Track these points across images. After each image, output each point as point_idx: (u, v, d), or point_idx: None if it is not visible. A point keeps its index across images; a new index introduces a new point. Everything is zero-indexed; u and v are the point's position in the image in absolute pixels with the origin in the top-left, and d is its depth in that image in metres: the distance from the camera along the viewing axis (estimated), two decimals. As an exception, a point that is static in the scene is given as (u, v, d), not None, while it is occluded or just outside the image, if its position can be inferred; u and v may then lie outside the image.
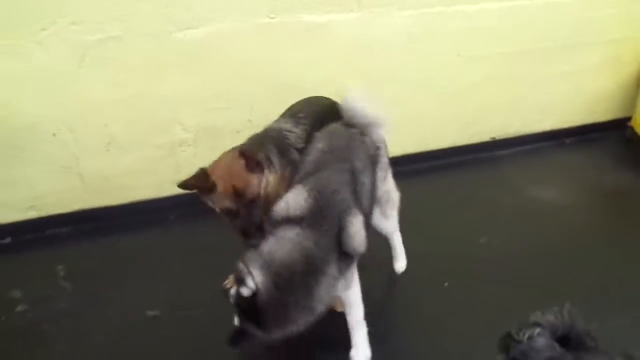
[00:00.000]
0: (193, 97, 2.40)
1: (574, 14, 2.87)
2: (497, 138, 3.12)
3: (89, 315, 1.98)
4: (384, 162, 1.85)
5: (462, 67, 2.80)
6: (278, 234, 1.48)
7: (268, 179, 1.71)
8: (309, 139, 1.81)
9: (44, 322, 1.94)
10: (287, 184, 1.71)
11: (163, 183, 2.45)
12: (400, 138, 2.86)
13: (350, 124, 1.76)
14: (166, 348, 1.85)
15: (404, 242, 2.18)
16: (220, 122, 2.47)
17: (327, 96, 2.07)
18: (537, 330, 1.73)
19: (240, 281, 1.38)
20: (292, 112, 1.97)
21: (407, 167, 2.77)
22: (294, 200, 1.52)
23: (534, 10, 2.78)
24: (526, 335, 1.73)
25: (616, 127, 3.30)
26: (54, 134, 2.25)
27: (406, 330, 1.94)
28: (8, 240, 2.37)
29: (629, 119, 3.25)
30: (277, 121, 1.95)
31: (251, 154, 1.66)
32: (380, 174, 1.81)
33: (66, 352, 1.83)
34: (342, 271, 1.52)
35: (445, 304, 2.03)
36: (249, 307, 1.39)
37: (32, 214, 2.39)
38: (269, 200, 1.66)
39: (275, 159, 1.76)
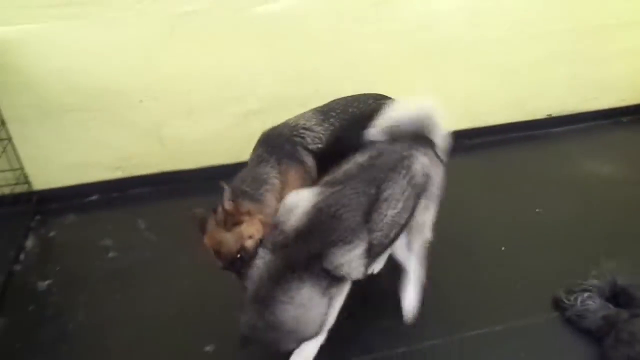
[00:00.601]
0: (266, 69, 2.56)
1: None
2: (554, 115, 3.16)
3: (173, 263, 2.18)
4: (431, 192, 1.68)
5: (524, 44, 2.85)
6: (268, 249, 1.47)
7: (254, 227, 1.59)
8: (332, 139, 1.76)
9: (133, 267, 2.16)
10: (297, 184, 1.67)
11: (234, 150, 2.62)
12: (457, 113, 2.97)
13: (396, 136, 1.69)
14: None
15: (461, 214, 2.28)
16: (289, 93, 2.62)
17: (382, 94, 2.00)
18: (586, 294, 1.85)
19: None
20: (328, 108, 1.90)
21: (463, 142, 2.88)
22: (296, 208, 1.50)
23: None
24: (578, 300, 1.85)
25: (676, 107, 3.28)
26: (140, 100, 2.46)
27: (465, 288, 2.05)
28: (95, 197, 2.62)
29: (689, 98, 3.23)
30: (303, 114, 1.88)
31: (223, 209, 1.55)
32: (422, 202, 1.65)
33: (158, 294, 2.04)
34: (325, 293, 1.44)
35: (502, 266, 2.14)
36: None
37: (118, 174, 2.63)
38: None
39: (268, 187, 1.67)
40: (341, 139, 1.80)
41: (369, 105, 1.89)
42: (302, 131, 1.78)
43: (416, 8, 2.61)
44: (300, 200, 1.51)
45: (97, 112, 2.44)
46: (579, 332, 1.80)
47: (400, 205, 1.55)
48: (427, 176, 1.64)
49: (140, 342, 1.82)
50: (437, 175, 1.70)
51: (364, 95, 1.97)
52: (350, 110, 1.87)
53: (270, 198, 1.66)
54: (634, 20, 2.95)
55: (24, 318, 1.93)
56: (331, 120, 1.82)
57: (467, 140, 3.02)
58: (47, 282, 2.08)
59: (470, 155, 2.96)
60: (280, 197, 1.63)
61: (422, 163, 1.63)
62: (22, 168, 2.45)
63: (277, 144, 1.74)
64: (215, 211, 1.56)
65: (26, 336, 1.85)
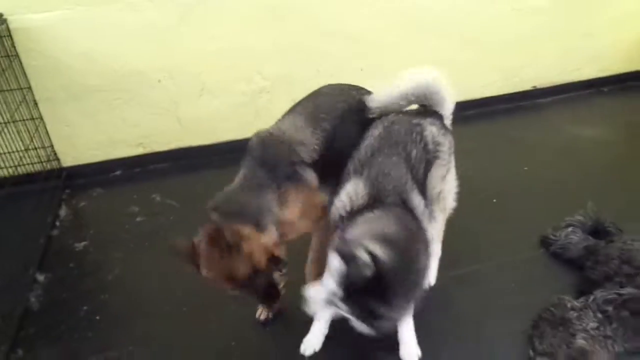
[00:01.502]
0: (272, 49, 2.78)
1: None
2: (539, 87, 3.40)
3: (196, 224, 2.39)
4: (443, 159, 1.68)
5: (512, 19, 3.08)
6: (359, 220, 1.43)
7: (260, 245, 1.46)
8: (326, 144, 1.69)
9: (160, 229, 2.37)
10: (297, 204, 1.60)
11: (245, 126, 2.82)
12: (451, 87, 3.19)
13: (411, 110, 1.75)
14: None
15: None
16: (293, 72, 2.85)
17: (360, 86, 2.01)
18: (570, 229, 2.09)
19: (351, 258, 1.24)
20: (315, 109, 1.77)
21: (455, 114, 3.10)
22: (355, 193, 1.50)
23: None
24: (562, 234, 2.09)
25: (654, 76, 3.52)
26: (159, 81, 2.68)
27: (459, 235, 2.25)
28: (118, 172, 2.84)
29: (665, 67, 3.47)
30: (294, 122, 1.73)
31: (223, 237, 1.43)
32: (438, 171, 1.66)
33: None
34: None
35: (493, 215, 2.36)
36: (367, 284, 1.24)
37: (139, 151, 2.84)
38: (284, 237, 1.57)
39: (269, 205, 1.54)
40: (337, 140, 1.73)
41: (354, 97, 1.86)
42: (298, 148, 1.66)
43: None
44: (352, 188, 1.52)
45: (120, 92, 2.66)
46: (564, 262, 2.03)
47: (421, 167, 1.59)
48: (437, 144, 1.67)
49: (169, 291, 2.03)
50: (447, 144, 1.72)
51: (343, 86, 1.95)
52: (339, 106, 1.80)
53: (271, 227, 1.54)
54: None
55: (66, 273, 2.14)
56: (323, 125, 1.72)
57: (460, 112, 3.23)
58: (83, 244, 2.30)
59: (463, 126, 3.16)
60: (279, 222, 1.56)
61: (432, 131, 1.67)
62: (52, 146, 2.66)
63: (275, 166, 1.60)
64: (212, 239, 1.45)
65: (70, 288, 2.07)
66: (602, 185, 2.51)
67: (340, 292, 1.28)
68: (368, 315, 1.29)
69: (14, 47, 2.39)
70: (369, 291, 1.24)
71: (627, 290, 1.70)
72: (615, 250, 1.85)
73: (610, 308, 1.69)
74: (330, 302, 1.32)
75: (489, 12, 3.03)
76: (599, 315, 1.69)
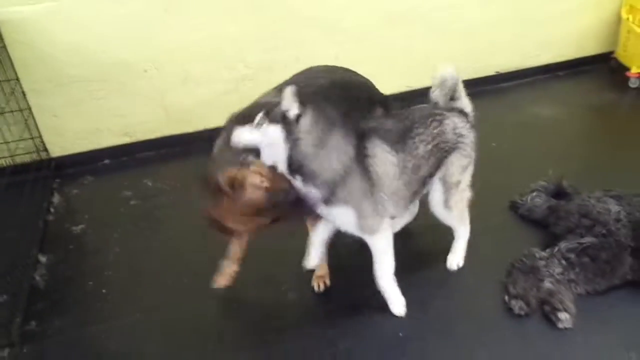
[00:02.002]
0: (253, 38, 2.91)
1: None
2: (501, 72, 3.65)
3: (188, 204, 2.51)
4: (465, 150, 1.85)
5: (470, 9, 3.31)
6: None
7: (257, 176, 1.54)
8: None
9: (155, 210, 2.48)
10: None
11: (229, 113, 2.97)
12: (416, 72, 3.40)
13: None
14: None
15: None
16: (274, 59, 2.98)
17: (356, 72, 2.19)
18: (534, 193, 2.32)
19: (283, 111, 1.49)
20: (288, 83, 1.81)
21: (425, 99, 3.33)
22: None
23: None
24: (528, 198, 2.32)
25: (603, 60, 3.81)
26: (145, 70, 2.77)
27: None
28: (107, 161, 2.92)
29: (613, 52, 3.77)
30: (268, 94, 1.87)
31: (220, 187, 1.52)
32: (459, 161, 1.84)
33: (178, 227, 2.37)
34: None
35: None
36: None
37: (126, 140, 2.93)
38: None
39: None
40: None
41: (340, 75, 2.02)
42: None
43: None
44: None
45: (106, 83, 2.74)
46: (531, 223, 2.26)
47: (428, 148, 1.74)
48: (459, 135, 1.82)
49: (170, 265, 2.16)
50: (471, 136, 1.87)
51: (335, 67, 2.10)
52: (318, 80, 1.91)
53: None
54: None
55: (67, 254, 2.23)
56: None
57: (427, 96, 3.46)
58: (80, 227, 2.39)
59: (433, 109, 3.41)
60: None
61: (454, 122, 1.82)
62: (40, 136, 2.72)
63: None
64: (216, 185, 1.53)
65: (73, 267, 2.16)
66: (560, 155, 2.76)
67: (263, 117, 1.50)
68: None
69: (2, 38, 2.44)
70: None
71: (587, 239, 1.93)
72: (574, 207, 2.07)
73: (572, 255, 1.91)
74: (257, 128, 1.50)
75: (448, 2, 3.25)
76: (563, 262, 1.91)
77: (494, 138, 2.97)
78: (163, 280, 2.08)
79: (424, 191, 1.89)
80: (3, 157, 2.48)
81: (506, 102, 3.44)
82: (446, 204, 1.90)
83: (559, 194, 2.34)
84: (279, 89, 1.77)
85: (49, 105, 2.69)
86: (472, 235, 2.20)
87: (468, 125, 1.90)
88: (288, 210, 1.61)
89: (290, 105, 1.50)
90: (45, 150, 2.77)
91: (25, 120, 2.61)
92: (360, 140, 1.65)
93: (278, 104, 1.52)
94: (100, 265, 2.16)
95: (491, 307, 1.88)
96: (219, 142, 1.70)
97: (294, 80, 1.92)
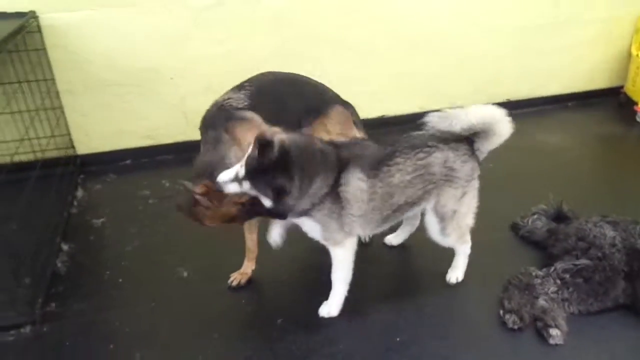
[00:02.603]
0: (272, 54, 3.07)
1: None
2: (511, 99, 3.77)
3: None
4: (457, 183, 1.88)
5: (481, 38, 3.46)
6: None
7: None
8: (251, 97, 1.98)
9: (172, 209, 2.58)
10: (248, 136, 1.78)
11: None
12: (430, 95, 3.55)
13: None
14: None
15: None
16: (292, 74, 3.14)
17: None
18: (535, 216, 2.41)
19: (265, 142, 1.57)
20: (241, 83, 2.12)
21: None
22: None
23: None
24: (529, 220, 2.41)
25: (613, 94, 3.92)
26: (171, 78, 2.94)
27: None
28: (128, 161, 3.07)
29: (622, 87, 3.88)
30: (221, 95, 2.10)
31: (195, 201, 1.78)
32: (449, 192, 1.89)
33: (192, 228, 2.44)
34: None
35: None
36: (274, 164, 1.58)
37: (148, 142, 3.08)
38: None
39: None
40: (261, 95, 2.04)
41: (286, 76, 2.22)
42: (226, 101, 2.00)
43: (393, 6, 3.19)
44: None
45: (134, 87, 2.91)
46: (530, 244, 2.35)
47: (406, 177, 1.80)
48: (450, 169, 1.85)
49: (185, 260, 2.27)
50: (465, 169, 1.88)
51: (286, 73, 2.29)
52: (265, 78, 2.16)
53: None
54: (570, 20, 3.59)
55: (87, 245, 2.37)
56: (246, 88, 2.06)
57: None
58: (101, 220, 2.52)
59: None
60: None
61: (447, 155, 1.84)
62: (69, 134, 2.88)
63: (214, 120, 1.95)
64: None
65: (93, 256, 2.30)
66: (564, 181, 2.86)
67: (244, 173, 1.61)
68: (271, 190, 1.61)
69: (43, 41, 2.62)
70: (274, 169, 1.58)
71: (582, 261, 2.01)
72: (572, 230, 2.16)
73: (567, 276, 2.00)
74: (236, 181, 1.64)
75: (462, 30, 3.40)
76: (558, 282, 2.00)
77: (499, 161, 3.06)
78: (176, 274, 2.19)
79: (401, 217, 1.99)
80: (35, 152, 2.63)
81: (515, 129, 3.53)
82: (443, 232, 1.98)
83: (559, 217, 2.43)
84: (238, 88, 2.08)
85: (79, 105, 2.86)
86: (473, 251, 2.29)
87: (465, 158, 1.89)
88: (261, 213, 1.78)
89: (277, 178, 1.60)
90: (73, 147, 2.93)
91: (57, 118, 2.78)
92: (339, 171, 1.73)
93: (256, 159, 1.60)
94: (117, 256, 2.28)
95: (486, 319, 1.97)
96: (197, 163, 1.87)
97: (246, 80, 2.15)
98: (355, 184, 1.75)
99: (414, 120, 3.48)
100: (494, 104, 3.64)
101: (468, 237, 2.09)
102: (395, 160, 1.80)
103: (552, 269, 2.05)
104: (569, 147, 3.29)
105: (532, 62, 3.68)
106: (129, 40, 2.81)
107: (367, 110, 3.42)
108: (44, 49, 2.64)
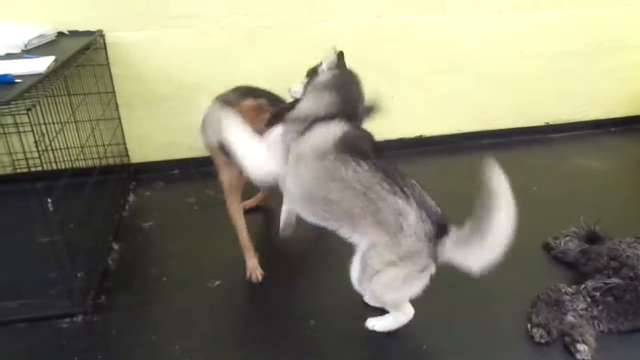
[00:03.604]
0: (316, 73, 3.23)
1: (617, 21, 3.54)
2: (551, 123, 3.78)
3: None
4: (395, 245, 1.66)
5: (522, 61, 3.51)
6: None
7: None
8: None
9: (215, 216, 2.73)
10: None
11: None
12: (467, 118, 3.62)
13: None
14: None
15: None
16: (334, 94, 3.29)
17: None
18: (567, 237, 2.43)
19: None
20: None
21: (473, 142, 3.54)
22: None
23: (582, 16, 3.48)
24: (562, 241, 2.43)
25: (656, 121, 3.88)
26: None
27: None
28: (177, 171, 3.27)
29: (668, 113, 3.83)
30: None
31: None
32: (385, 249, 1.68)
33: (232, 235, 2.61)
34: None
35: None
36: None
37: (195, 154, 3.26)
38: None
39: None
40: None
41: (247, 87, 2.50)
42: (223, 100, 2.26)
43: (438, 30, 3.30)
44: None
45: (186, 102, 3.10)
46: (562, 264, 2.36)
47: (348, 193, 1.68)
48: (401, 220, 1.64)
49: (221, 264, 2.41)
50: (408, 238, 1.64)
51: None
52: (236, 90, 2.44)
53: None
54: (615, 46, 3.60)
55: (136, 245, 2.54)
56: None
57: (478, 141, 3.65)
58: (149, 223, 2.70)
59: (481, 153, 3.58)
60: None
61: (407, 211, 1.65)
62: (125, 143, 3.11)
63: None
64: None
65: (141, 255, 2.46)
66: (600, 205, 2.85)
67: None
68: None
69: (107, 57, 2.87)
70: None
71: (613, 280, 2.02)
72: (605, 249, 2.17)
73: (597, 294, 2.01)
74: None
75: (501, 53, 3.46)
76: (588, 299, 2.01)
77: (536, 183, 3.10)
78: (215, 275, 2.32)
79: (336, 226, 1.80)
80: (94, 159, 2.85)
81: (553, 152, 3.57)
82: (358, 282, 1.79)
83: (592, 239, 2.43)
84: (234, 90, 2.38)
85: (135, 117, 3.09)
86: (503, 265, 2.33)
87: (421, 227, 1.64)
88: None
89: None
90: (127, 156, 3.15)
91: (115, 129, 3.01)
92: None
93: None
94: (163, 256, 2.45)
95: (514, 333, 2.00)
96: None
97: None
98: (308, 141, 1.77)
99: (451, 142, 3.62)
100: (533, 127, 3.77)
101: (400, 308, 1.90)
102: (362, 168, 1.67)
103: (583, 286, 2.06)
104: (608, 172, 3.28)
105: (574, 87, 3.70)
106: (184, 58, 3.03)
107: (407, 129, 3.54)
108: (108, 65, 2.88)
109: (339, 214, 1.73)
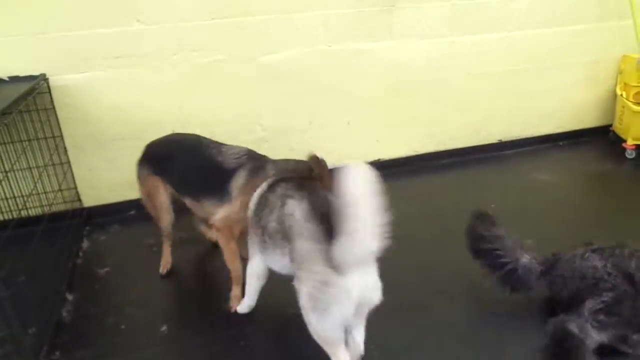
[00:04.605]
0: (270, 105, 3.23)
1: (557, 41, 3.70)
2: (503, 140, 3.88)
3: (204, 256, 2.73)
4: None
5: (471, 82, 3.62)
6: None
7: None
8: None
9: (176, 258, 2.68)
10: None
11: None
12: (423, 139, 3.68)
13: None
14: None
15: (433, 217, 2.90)
16: (290, 124, 3.29)
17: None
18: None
19: None
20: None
21: (430, 163, 3.59)
22: None
23: (525, 38, 3.62)
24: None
25: (602, 132, 4.05)
26: (173, 130, 3.07)
27: (436, 258, 2.63)
28: (133, 212, 3.15)
29: (611, 125, 4.00)
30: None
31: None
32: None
33: (194, 274, 2.57)
34: None
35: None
36: None
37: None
38: None
39: None
40: None
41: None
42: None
43: (388, 56, 3.36)
44: None
45: (139, 141, 2.98)
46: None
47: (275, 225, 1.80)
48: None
49: (183, 305, 2.34)
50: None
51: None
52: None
53: None
54: (557, 64, 3.76)
55: (92, 293, 2.43)
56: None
57: (433, 162, 3.71)
58: (105, 269, 2.60)
59: (436, 174, 3.64)
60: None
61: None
62: (76, 188, 3.00)
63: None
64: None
65: (97, 304, 2.35)
66: (555, 218, 2.94)
67: None
68: None
69: (52, 101, 2.78)
70: None
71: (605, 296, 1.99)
72: (567, 272, 2.15)
73: (602, 316, 1.95)
74: None
75: (449, 75, 3.57)
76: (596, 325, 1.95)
77: (494, 200, 3.15)
78: (179, 318, 2.25)
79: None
80: (42, 206, 2.74)
81: (508, 169, 3.66)
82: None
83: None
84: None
85: (86, 159, 3.00)
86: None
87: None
88: None
89: None
90: (79, 200, 3.04)
91: (64, 173, 2.90)
92: None
93: None
94: (121, 303, 2.34)
95: None
96: None
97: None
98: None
99: (409, 164, 3.66)
100: (487, 144, 3.86)
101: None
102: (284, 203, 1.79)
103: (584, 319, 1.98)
104: (560, 185, 3.38)
105: (523, 104, 3.83)
106: (135, 97, 2.97)
107: (365, 153, 3.56)
108: (53, 108, 2.79)
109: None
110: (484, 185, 3.42)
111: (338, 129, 3.44)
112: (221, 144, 2.32)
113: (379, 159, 3.64)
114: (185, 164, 2.30)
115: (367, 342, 1.81)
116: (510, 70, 3.68)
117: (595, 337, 1.95)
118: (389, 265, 1.68)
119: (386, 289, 1.68)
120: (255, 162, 2.17)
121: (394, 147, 3.65)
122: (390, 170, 3.62)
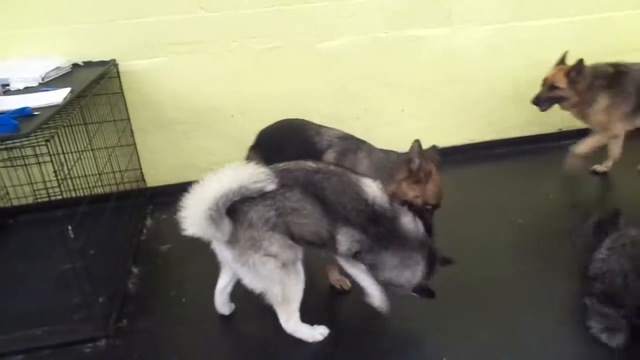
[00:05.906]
0: (326, 92, 3.27)
1: (628, 25, 3.53)
2: (563, 129, 3.75)
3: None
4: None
5: (532, 70, 3.49)
6: None
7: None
8: None
9: (231, 237, 2.78)
10: None
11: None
12: (480, 128, 3.61)
13: None
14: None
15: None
16: (345, 110, 3.32)
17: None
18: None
19: None
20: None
21: (485, 152, 3.54)
22: None
23: (590, 22, 3.48)
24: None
25: None
26: (232, 116, 3.19)
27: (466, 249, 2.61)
28: (192, 194, 3.30)
29: None
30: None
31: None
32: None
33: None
34: None
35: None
36: None
37: (210, 175, 3.31)
38: None
39: None
40: None
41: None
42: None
43: (446, 42, 3.32)
44: None
45: (198, 125, 3.17)
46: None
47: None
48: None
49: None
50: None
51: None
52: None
53: None
54: (626, 49, 3.57)
55: (154, 268, 2.58)
56: None
57: (492, 150, 3.65)
58: (167, 246, 2.74)
59: (495, 162, 3.58)
60: None
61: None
62: (140, 168, 3.16)
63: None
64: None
65: (160, 278, 2.50)
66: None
67: None
68: None
69: (121, 86, 2.94)
70: None
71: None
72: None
73: None
74: None
75: (512, 62, 3.49)
76: None
77: (551, 191, 3.08)
78: (235, 295, 2.34)
79: None
80: (111, 185, 2.91)
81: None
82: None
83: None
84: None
85: (150, 142, 3.15)
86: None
87: None
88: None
89: None
90: (143, 180, 3.21)
91: (131, 154, 3.07)
92: None
93: None
94: (182, 278, 2.47)
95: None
96: None
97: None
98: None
99: (464, 152, 3.61)
100: (546, 134, 3.74)
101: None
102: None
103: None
104: (618, 177, 3.24)
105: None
106: (195, 82, 3.09)
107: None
108: (122, 92, 2.95)
109: None
110: (541, 175, 3.33)
111: (393, 116, 3.44)
112: (321, 126, 2.39)
113: (434, 146, 3.60)
114: (290, 152, 2.30)
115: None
116: (573, 57, 3.53)
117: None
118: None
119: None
120: (347, 144, 2.23)
121: (449, 134, 3.61)
122: (445, 159, 3.59)
